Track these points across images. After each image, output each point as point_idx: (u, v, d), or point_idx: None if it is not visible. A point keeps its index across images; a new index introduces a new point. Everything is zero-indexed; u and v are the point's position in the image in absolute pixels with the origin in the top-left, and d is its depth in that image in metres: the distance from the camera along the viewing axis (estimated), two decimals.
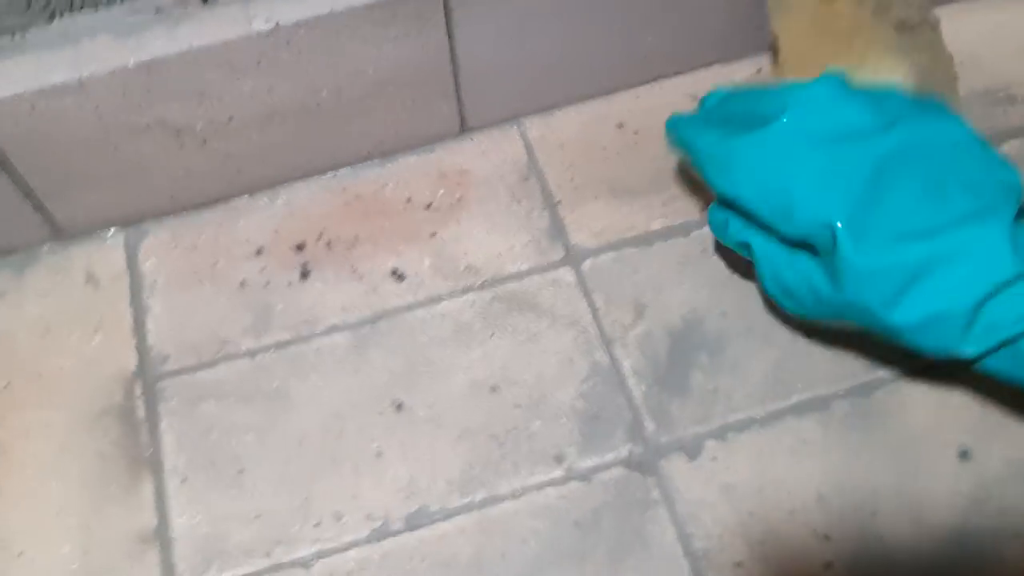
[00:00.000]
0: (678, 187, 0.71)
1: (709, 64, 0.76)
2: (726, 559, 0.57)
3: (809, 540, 0.57)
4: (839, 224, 0.47)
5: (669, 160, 0.72)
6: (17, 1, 0.57)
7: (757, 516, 0.58)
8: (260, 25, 0.60)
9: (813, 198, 0.48)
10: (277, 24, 0.60)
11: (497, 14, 0.65)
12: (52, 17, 0.60)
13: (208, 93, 0.63)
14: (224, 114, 0.65)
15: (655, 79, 0.75)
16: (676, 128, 0.57)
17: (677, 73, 0.76)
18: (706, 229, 0.69)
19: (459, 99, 0.71)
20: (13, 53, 0.59)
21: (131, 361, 0.66)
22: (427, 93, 0.69)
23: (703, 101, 0.59)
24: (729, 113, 0.55)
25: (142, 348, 0.66)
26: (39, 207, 0.68)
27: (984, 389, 0.61)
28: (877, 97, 0.51)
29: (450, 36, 0.65)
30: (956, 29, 0.76)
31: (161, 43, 0.60)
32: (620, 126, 0.74)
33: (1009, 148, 0.72)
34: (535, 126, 0.74)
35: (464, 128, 0.74)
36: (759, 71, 0.76)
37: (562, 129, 0.74)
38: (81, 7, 0.60)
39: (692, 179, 0.70)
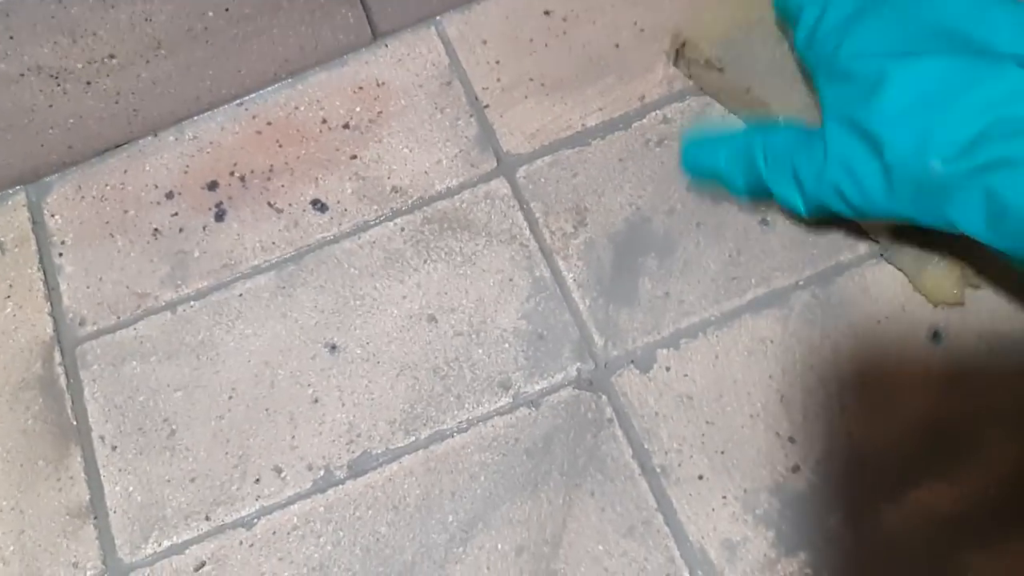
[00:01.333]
0: (615, 75, 0.65)
1: None
2: (686, 473, 0.54)
3: (773, 444, 0.54)
4: None
5: (604, 46, 0.65)
6: None
7: (717, 425, 0.55)
8: None
9: None
10: None
11: None
12: None
13: (79, 30, 0.57)
14: (103, 50, 0.59)
15: None
16: None
17: None
18: (647, 120, 0.63)
19: (363, 2, 0.64)
20: None
21: (47, 327, 0.62)
22: (326, 0, 0.63)
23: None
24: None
25: (57, 312, 0.62)
26: None
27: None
28: None
29: None
30: None
31: None
32: (547, 13, 0.68)
33: None
34: (453, 23, 0.68)
35: (376, 35, 0.67)
36: None
37: (483, 23, 0.68)
38: None
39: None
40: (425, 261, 0.61)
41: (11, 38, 0.56)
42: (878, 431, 0.54)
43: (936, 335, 0.55)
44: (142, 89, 0.63)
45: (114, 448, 0.58)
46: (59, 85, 0.60)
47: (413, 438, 0.57)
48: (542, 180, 0.63)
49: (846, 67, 0.48)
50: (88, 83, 0.61)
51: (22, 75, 0.59)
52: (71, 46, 0.58)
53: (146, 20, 0.58)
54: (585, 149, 0.63)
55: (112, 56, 0.60)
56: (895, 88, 0.45)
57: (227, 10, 0.60)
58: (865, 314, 0.56)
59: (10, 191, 0.66)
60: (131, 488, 0.57)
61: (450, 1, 0.68)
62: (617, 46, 0.66)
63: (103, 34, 0.58)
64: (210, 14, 0.60)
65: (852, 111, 0.47)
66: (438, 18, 0.68)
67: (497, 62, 0.67)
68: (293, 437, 0.57)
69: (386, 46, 0.68)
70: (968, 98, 0.43)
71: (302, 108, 0.66)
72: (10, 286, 0.63)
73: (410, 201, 0.63)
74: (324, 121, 0.66)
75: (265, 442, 0.57)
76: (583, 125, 0.64)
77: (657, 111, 0.63)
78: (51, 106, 0.62)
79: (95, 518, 0.57)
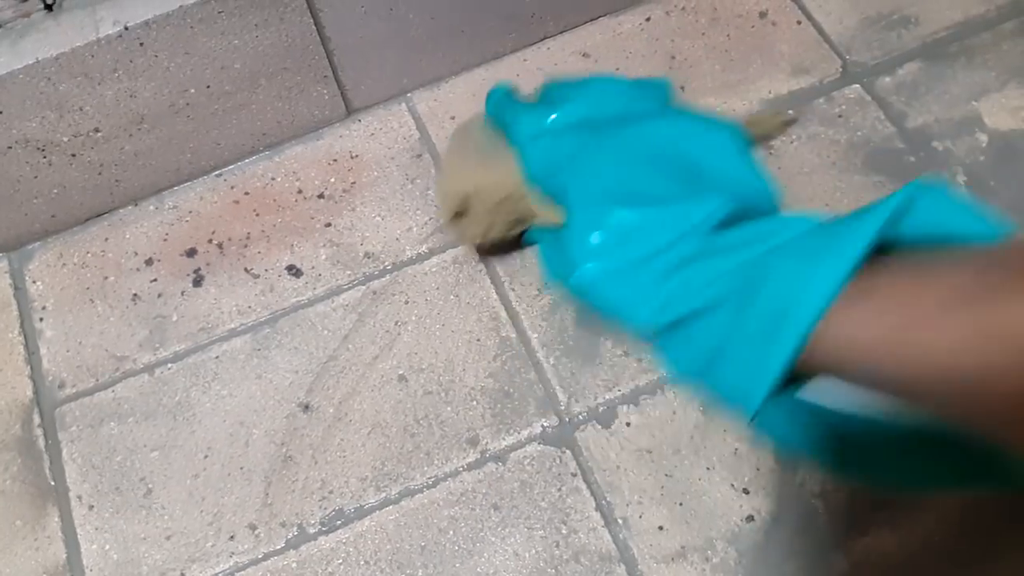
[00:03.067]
0: None
1: (596, 17, 0.74)
2: (648, 524, 0.56)
3: (729, 495, 0.57)
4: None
5: None
6: None
7: (675, 478, 0.57)
8: (108, 29, 0.57)
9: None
10: (126, 27, 0.57)
11: None
12: None
13: (66, 105, 0.60)
14: (88, 124, 0.62)
15: (541, 40, 0.73)
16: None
17: (563, 31, 0.73)
18: None
19: (338, 81, 0.68)
20: None
21: (26, 390, 0.63)
22: (302, 79, 0.67)
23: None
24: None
25: (37, 376, 0.64)
26: None
27: None
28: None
29: (315, 17, 0.63)
30: None
31: (5, 59, 0.57)
32: None
33: (906, 71, 0.70)
34: (423, 100, 0.72)
35: (350, 110, 0.71)
36: (648, 19, 0.74)
37: (452, 100, 0.72)
38: None
39: None
40: (396, 323, 0.64)
41: (0, 113, 0.59)
42: (828, 482, 0.56)
43: None
44: (125, 161, 0.66)
45: (91, 507, 0.59)
46: (45, 157, 0.63)
47: (384, 494, 0.59)
48: (507, 244, 0.66)
49: (564, 206, 0.49)
50: (73, 155, 0.64)
51: (10, 147, 0.61)
52: (58, 120, 0.61)
53: (131, 96, 0.62)
54: None
55: (97, 130, 0.63)
56: (596, 249, 0.46)
57: (208, 87, 0.63)
58: None
59: None
60: (108, 546, 0.58)
61: (420, 79, 0.72)
62: None
63: (89, 109, 0.61)
64: (192, 91, 0.63)
65: (567, 264, 0.47)
66: (409, 95, 0.72)
67: None
68: (267, 495, 0.59)
69: (360, 121, 0.71)
70: (663, 257, 0.44)
71: (279, 179, 0.70)
72: None
73: (382, 266, 0.66)
74: (300, 191, 0.69)
75: (240, 500, 0.59)
76: None
77: None
78: (36, 177, 0.64)
79: None
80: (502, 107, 0.56)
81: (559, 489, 0.58)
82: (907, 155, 0.67)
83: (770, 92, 0.70)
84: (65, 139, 0.62)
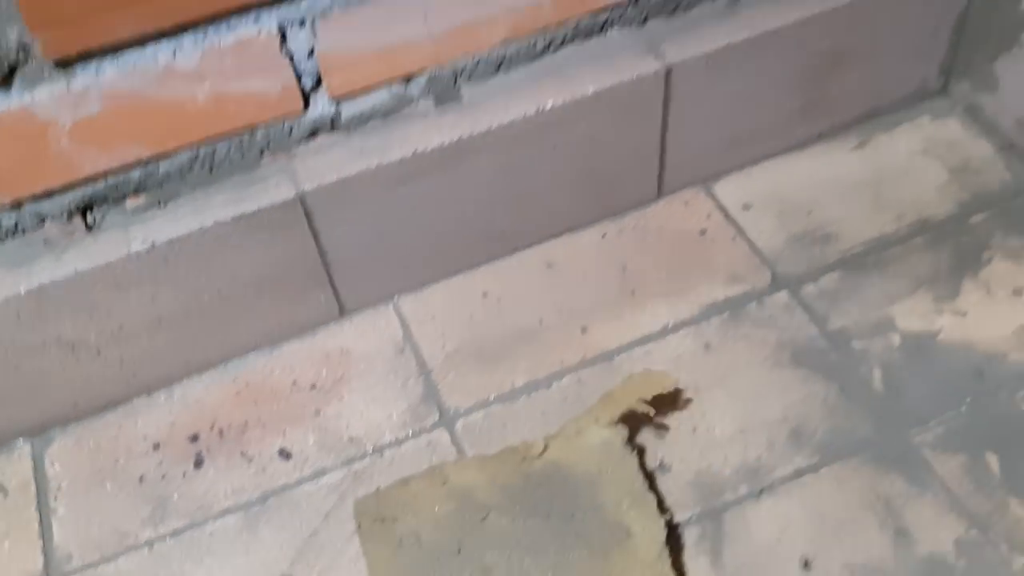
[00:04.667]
0: (540, 344, 0.78)
1: (559, 234, 0.85)
2: None
3: None
4: None
5: (530, 321, 0.79)
6: None
7: None
8: (138, 246, 0.68)
9: None
10: (153, 244, 0.68)
11: (355, 211, 0.73)
12: None
13: (97, 308, 0.70)
14: (114, 324, 0.72)
15: (512, 251, 0.84)
16: None
17: (531, 245, 0.84)
18: (566, 380, 0.76)
19: (334, 287, 0.79)
20: None
21: (37, 563, 0.70)
22: (303, 285, 0.77)
23: None
24: None
25: (48, 549, 0.70)
26: None
27: (821, 498, 0.67)
28: None
29: (314, 235, 0.74)
30: (777, 178, 0.87)
31: (49, 270, 0.68)
32: (485, 295, 0.82)
33: (827, 280, 0.80)
34: (408, 303, 0.82)
35: (343, 311, 0.81)
36: (604, 236, 0.85)
37: (433, 303, 0.82)
38: None
39: None
40: None
41: (40, 315, 0.69)
42: None
43: (806, 564, 0.65)
44: (142, 356, 0.75)
45: None
46: (74, 353, 0.73)
47: None
48: (477, 430, 0.74)
49: None
50: (98, 351, 0.73)
51: (44, 344, 0.71)
52: (88, 321, 0.71)
53: (152, 301, 0.72)
54: (513, 404, 0.75)
55: (121, 328, 0.73)
56: None
57: (219, 292, 0.74)
58: (744, 547, 0.66)
59: (19, 440, 0.76)
60: None
61: (405, 285, 0.82)
62: (540, 321, 0.80)
63: (116, 312, 0.71)
64: (205, 296, 0.74)
65: None
66: (395, 298, 0.82)
67: (443, 334, 0.80)
68: None
69: (351, 320, 0.81)
70: None
71: (277, 372, 0.79)
72: (8, 526, 0.72)
73: (363, 450, 0.74)
74: (294, 383, 0.78)
75: None
76: (512, 384, 0.76)
77: (573, 373, 0.76)
78: (64, 370, 0.73)
79: None
80: None
81: None
82: (829, 353, 0.76)
83: (709, 297, 0.80)
84: (92, 337, 0.72)
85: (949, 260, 0.81)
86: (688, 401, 0.74)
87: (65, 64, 0.61)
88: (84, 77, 0.62)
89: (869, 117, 0.91)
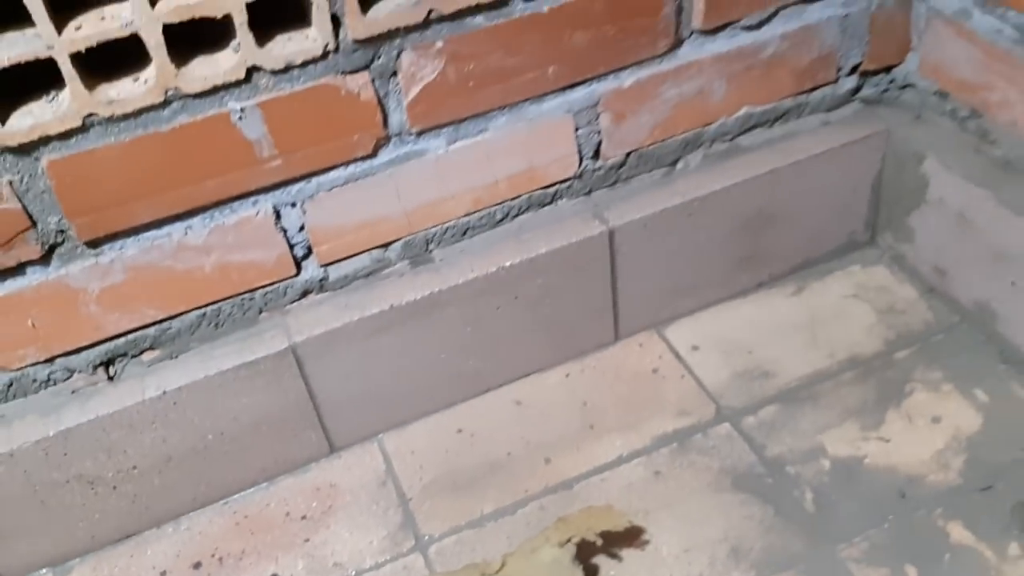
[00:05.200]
0: (508, 474, 0.87)
1: (527, 374, 0.95)
2: None
3: None
4: None
5: (499, 454, 0.89)
6: None
7: None
8: (151, 392, 0.79)
9: None
10: (164, 391, 0.79)
11: (341, 358, 0.84)
12: None
13: (115, 448, 0.81)
14: (129, 463, 0.82)
15: (484, 391, 0.94)
16: None
17: (501, 385, 0.95)
18: (530, 507, 0.84)
19: (324, 427, 0.89)
20: None
21: None
22: (296, 427, 0.87)
23: None
24: None
25: None
26: None
27: None
28: None
29: (305, 381, 0.85)
30: (722, 322, 0.98)
31: (75, 415, 0.79)
32: (459, 431, 0.92)
33: (765, 412, 0.90)
34: (391, 439, 0.92)
35: (332, 448, 0.91)
36: (567, 375, 0.95)
37: (412, 439, 0.92)
38: (15, 397, 0.79)
39: None
40: None
41: (65, 455, 0.79)
42: None
43: None
44: (154, 492, 0.85)
45: None
46: (93, 489, 0.82)
47: None
48: (449, 554, 0.82)
49: None
50: (114, 487, 0.83)
51: (67, 481, 0.81)
52: (107, 460, 0.81)
53: (163, 441, 0.82)
54: (481, 530, 0.83)
55: (135, 467, 0.83)
56: None
57: (222, 434, 0.84)
58: None
59: (42, 571, 0.85)
60: None
61: (388, 423, 0.92)
62: (508, 454, 0.89)
63: (130, 451, 0.82)
64: (209, 436, 0.84)
65: None
66: (380, 436, 0.92)
67: (421, 466, 0.89)
68: None
69: (340, 457, 0.91)
70: None
71: (272, 504, 0.88)
72: None
73: (347, 574, 0.82)
74: (287, 514, 0.87)
75: None
76: (482, 511, 0.85)
77: (536, 500, 0.85)
78: (84, 505, 0.83)
79: None
80: None
81: None
82: (766, 478, 0.84)
83: (660, 429, 0.89)
84: (109, 475, 0.82)
85: (875, 392, 0.90)
86: (644, 541, 0.80)
87: (95, 243, 0.73)
88: (110, 253, 0.74)
89: (805, 267, 1.02)
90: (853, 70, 0.93)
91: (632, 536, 0.81)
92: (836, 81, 0.93)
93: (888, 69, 0.94)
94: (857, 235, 1.02)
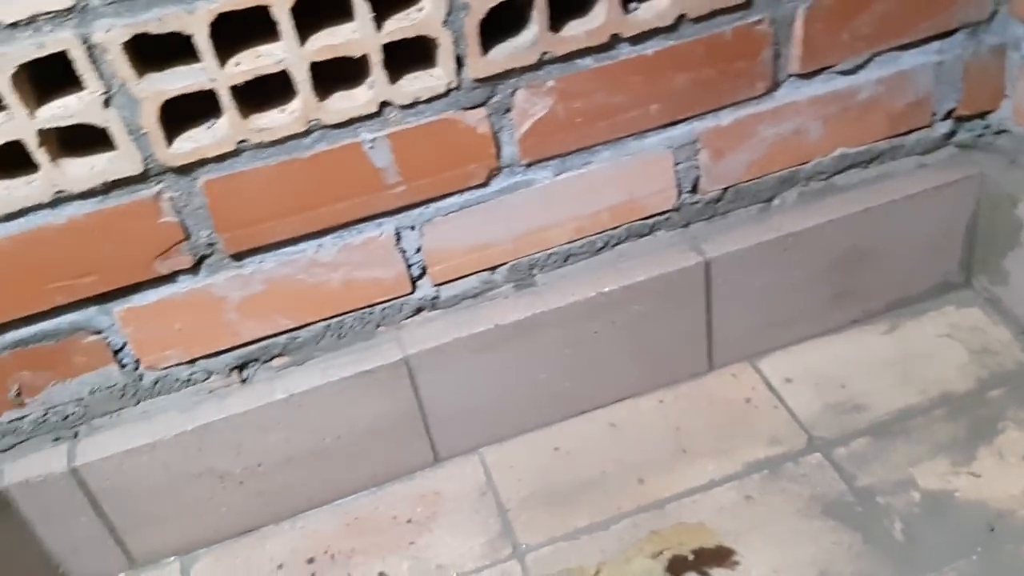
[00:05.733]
0: (602, 492, 0.92)
1: (622, 399, 1.00)
2: None
3: None
4: None
5: (594, 472, 0.93)
6: (116, 392, 0.86)
7: None
8: (279, 395, 0.87)
9: None
10: (291, 394, 0.87)
11: (448, 372, 0.91)
12: (138, 402, 0.87)
13: (243, 446, 0.89)
14: (255, 461, 0.90)
15: (580, 412, 0.99)
16: None
17: (596, 407, 0.99)
18: (623, 524, 0.88)
19: (430, 437, 0.95)
20: (110, 428, 0.86)
21: None
22: (405, 434, 0.94)
23: None
24: None
25: None
26: (119, 541, 0.91)
27: None
28: None
29: (416, 392, 0.91)
30: (816, 356, 1.01)
31: (211, 412, 0.87)
32: (556, 449, 0.97)
33: (857, 444, 0.92)
34: (491, 454, 0.98)
35: (437, 458, 0.97)
36: (661, 401, 1.00)
37: (512, 454, 0.97)
38: (159, 394, 0.88)
39: None
40: None
41: (200, 449, 0.87)
42: None
43: None
44: (275, 489, 0.92)
45: None
46: (221, 483, 0.90)
47: None
48: (545, 565, 0.87)
49: None
50: (241, 483, 0.91)
51: (200, 474, 0.89)
52: (236, 456, 0.89)
53: (286, 442, 0.90)
54: (576, 542, 0.88)
55: (260, 465, 0.90)
56: None
57: (339, 437, 0.91)
58: None
59: (171, 558, 0.93)
60: None
61: (489, 438, 0.98)
62: (603, 473, 0.94)
63: (257, 450, 0.89)
64: (327, 440, 0.91)
65: None
66: (481, 449, 0.98)
67: (519, 480, 0.95)
68: None
69: (444, 467, 0.97)
70: None
71: (381, 508, 0.94)
72: None
73: None
74: (394, 518, 0.93)
75: None
76: (576, 525, 0.89)
77: (629, 518, 0.89)
78: (212, 498, 0.91)
79: None
80: None
81: None
82: (856, 507, 0.86)
83: (751, 456, 0.93)
84: (237, 470, 0.90)
85: (967, 429, 0.91)
86: (735, 561, 0.83)
87: (239, 256, 0.82)
88: (251, 265, 0.83)
89: (898, 306, 1.04)
90: (948, 115, 0.96)
91: (723, 555, 0.84)
92: (931, 125, 0.96)
93: (983, 115, 0.97)
94: (951, 276, 1.04)
